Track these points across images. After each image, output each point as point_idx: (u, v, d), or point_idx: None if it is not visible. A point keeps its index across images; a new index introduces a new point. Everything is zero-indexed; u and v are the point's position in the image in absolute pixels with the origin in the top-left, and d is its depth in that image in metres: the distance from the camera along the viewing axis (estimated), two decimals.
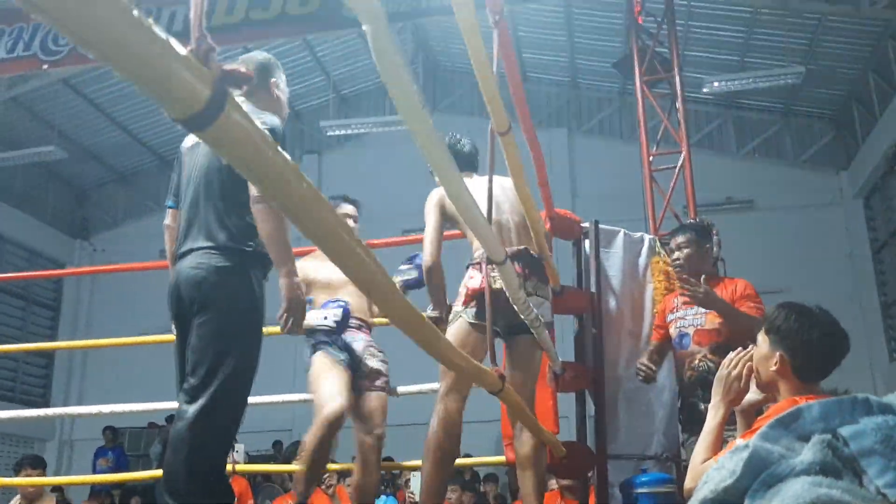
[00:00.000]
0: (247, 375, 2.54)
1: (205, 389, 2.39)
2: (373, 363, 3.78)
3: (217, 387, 2.40)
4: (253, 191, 2.51)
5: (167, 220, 2.86)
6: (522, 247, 3.23)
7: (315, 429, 3.42)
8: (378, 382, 3.78)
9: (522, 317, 2.43)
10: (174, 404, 4.80)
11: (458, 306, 3.25)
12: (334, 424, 3.42)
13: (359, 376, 3.72)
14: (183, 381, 2.53)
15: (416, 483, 5.87)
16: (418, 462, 5.39)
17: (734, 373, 2.03)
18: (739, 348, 2.09)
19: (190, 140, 2.83)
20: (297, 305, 2.53)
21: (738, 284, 3.63)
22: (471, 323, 3.16)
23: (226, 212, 2.60)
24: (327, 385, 3.51)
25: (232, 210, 2.59)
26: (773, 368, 1.97)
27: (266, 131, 2.37)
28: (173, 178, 2.87)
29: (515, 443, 3.30)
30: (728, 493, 0.72)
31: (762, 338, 2.03)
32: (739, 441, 1.27)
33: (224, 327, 2.48)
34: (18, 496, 5.59)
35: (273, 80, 2.89)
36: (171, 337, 4.25)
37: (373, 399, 3.73)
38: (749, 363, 2.03)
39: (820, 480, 0.64)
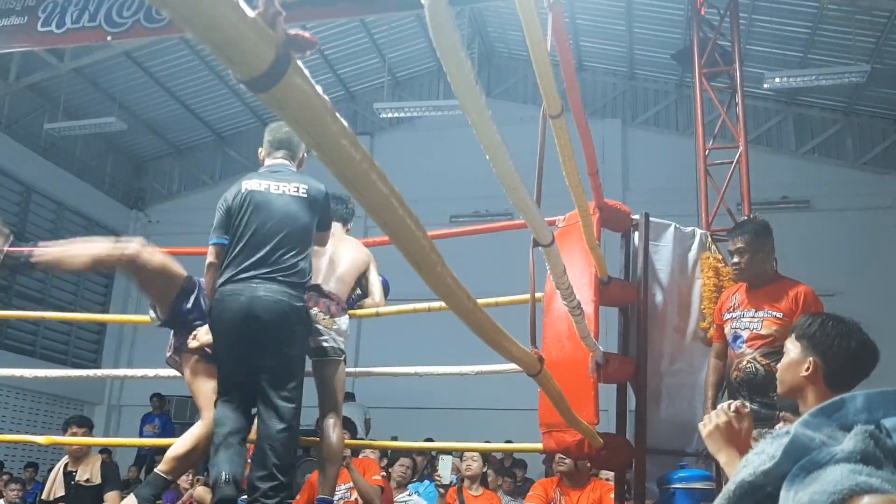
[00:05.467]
0: None
1: (296, 399, 3.23)
2: None
3: (299, 396, 3.27)
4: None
5: (212, 259, 3.32)
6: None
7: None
8: None
9: (564, 302, 2.41)
10: None
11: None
12: None
13: None
14: (229, 387, 3.26)
15: (444, 466, 5.90)
16: (451, 444, 5.40)
17: (721, 422, 1.78)
18: (721, 406, 1.84)
19: (253, 185, 3.35)
20: None
21: (800, 293, 3.53)
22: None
23: (297, 256, 3.26)
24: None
25: (300, 254, 3.27)
26: (804, 374, 1.94)
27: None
28: (229, 216, 3.34)
29: (325, 438, 3.60)
30: (767, 477, 0.73)
31: (792, 343, 2.01)
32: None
33: (301, 353, 3.38)
34: (67, 456, 5.79)
35: None
36: None
37: None
38: (725, 416, 1.79)
39: (860, 469, 0.64)
